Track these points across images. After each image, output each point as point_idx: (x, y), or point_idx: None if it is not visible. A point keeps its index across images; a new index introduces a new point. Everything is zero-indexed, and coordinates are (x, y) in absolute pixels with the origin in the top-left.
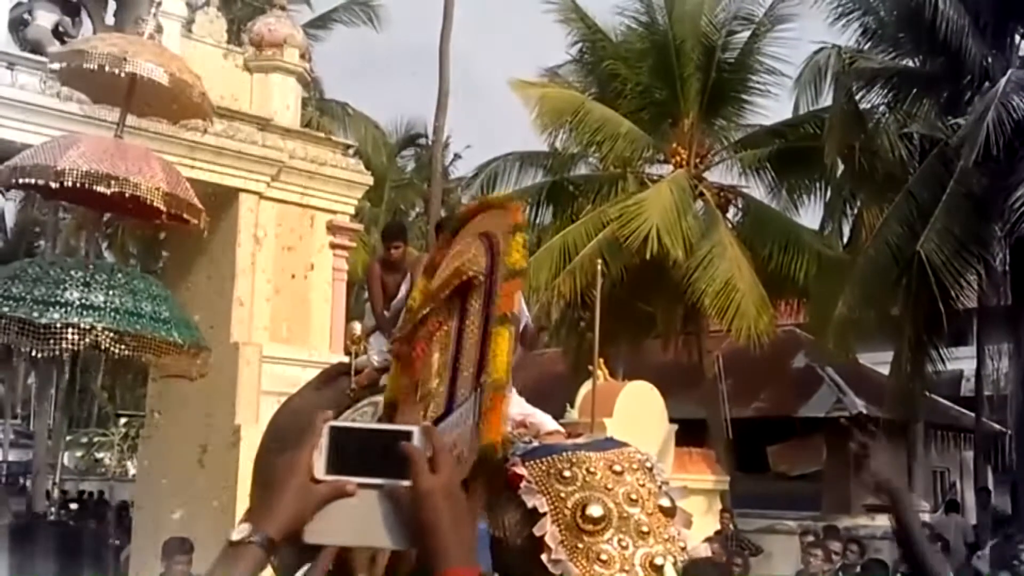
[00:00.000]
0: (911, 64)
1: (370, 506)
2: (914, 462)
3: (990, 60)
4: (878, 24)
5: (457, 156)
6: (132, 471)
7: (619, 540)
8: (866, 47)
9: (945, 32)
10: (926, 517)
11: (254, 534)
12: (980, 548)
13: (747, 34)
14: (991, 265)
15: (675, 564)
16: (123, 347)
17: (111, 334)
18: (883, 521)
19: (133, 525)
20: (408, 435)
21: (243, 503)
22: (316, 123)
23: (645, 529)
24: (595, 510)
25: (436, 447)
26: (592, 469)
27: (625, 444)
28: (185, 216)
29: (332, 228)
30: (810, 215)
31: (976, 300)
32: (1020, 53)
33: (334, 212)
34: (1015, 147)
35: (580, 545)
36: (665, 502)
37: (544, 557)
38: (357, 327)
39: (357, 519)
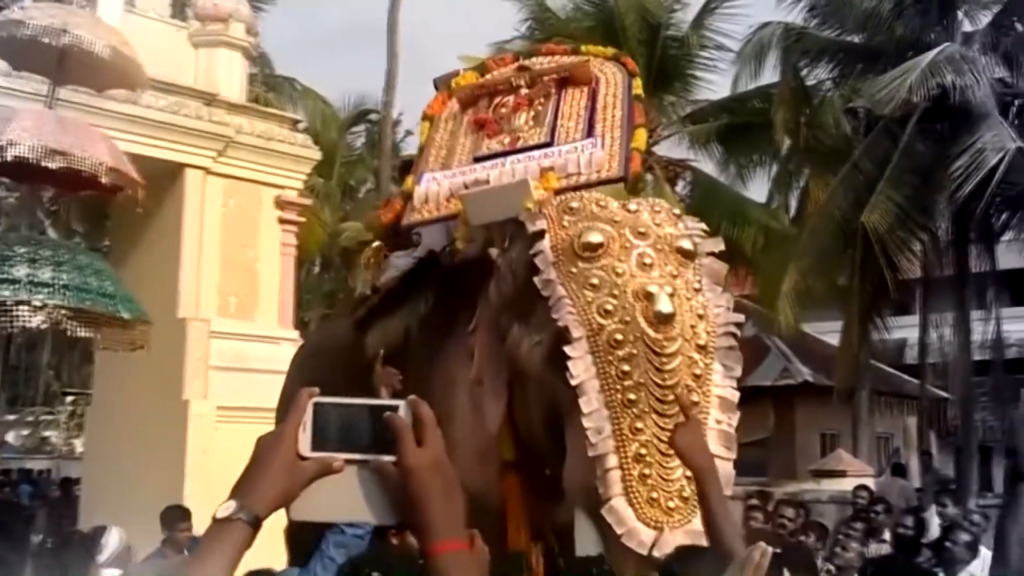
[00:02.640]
0: (856, 40)
1: (357, 482)
2: (859, 428)
3: (933, 36)
4: (825, 1)
5: (408, 133)
6: (80, 449)
7: (615, 268)
8: (812, 24)
9: (889, 9)
10: (870, 481)
11: (241, 511)
12: (923, 510)
13: (692, 11)
14: (935, 235)
15: (673, 296)
16: (76, 324)
17: (64, 311)
18: (828, 486)
19: (80, 502)
20: (394, 409)
21: (193, 478)
22: (264, 99)
23: (648, 261)
24: (593, 237)
25: (424, 420)
26: (603, 204)
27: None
28: (126, 189)
29: (280, 203)
30: (758, 188)
31: (920, 270)
32: (963, 29)
33: (282, 187)
34: (957, 118)
35: (574, 270)
36: (686, 244)
37: (536, 280)
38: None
39: (344, 496)
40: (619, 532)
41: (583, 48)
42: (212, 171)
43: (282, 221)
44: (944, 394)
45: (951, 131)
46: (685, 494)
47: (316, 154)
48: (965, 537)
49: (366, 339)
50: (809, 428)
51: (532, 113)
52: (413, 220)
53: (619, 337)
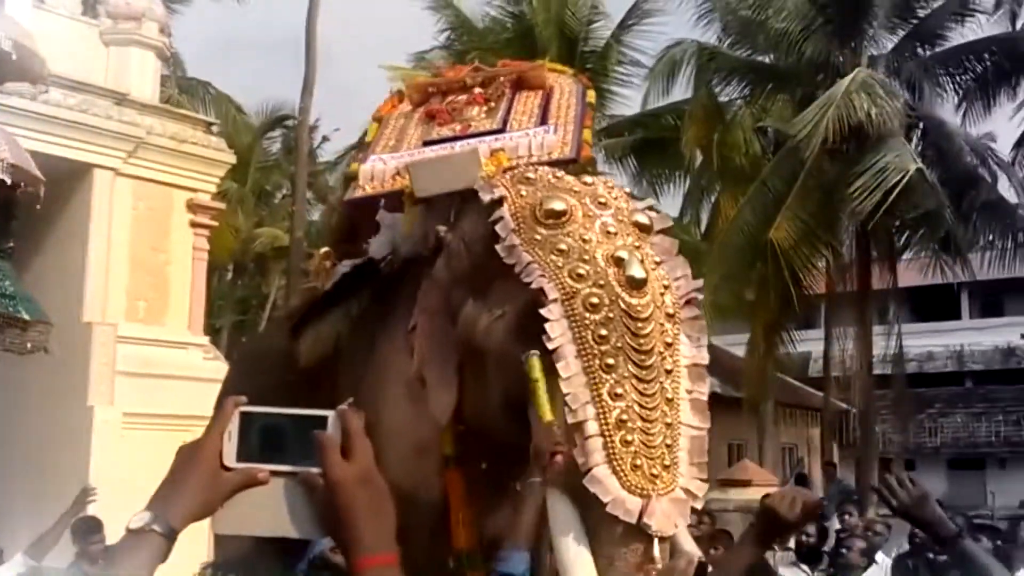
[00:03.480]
0: (767, 60)
1: (283, 495)
2: (765, 438)
3: (841, 59)
4: (738, 23)
5: (325, 139)
6: None
7: (581, 235)
8: (726, 44)
9: (799, 30)
10: (775, 491)
11: (155, 522)
12: (826, 519)
13: (610, 26)
14: (838, 251)
15: (642, 263)
16: None
17: None
18: (735, 495)
19: None
20: (323, 420)
21: (97, 486)
22: (176, 101)
23: (612, 230)
24: (556, 204)
25: (351, 432)
26: (559, 175)
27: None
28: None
29: (192, 207)
30: (670, 203)
31: (824, 285)
32: (869, 52)
33: (195, 190)
34: (860, 139)
35: (538, 237)
36: (641, 219)
37: (498, 247)
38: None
39: (270, 508)
40: (604, 501)
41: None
42: (122, 172)
43: (194, 225)
44: (846, 406)
45: (856, 151)
46: (666, 462)
47: (230, 157)
48: (860, 544)
49: (298, 347)
50: (717, 438)
51: (486, 108)
52: (355, 196)
53: (595, 301)
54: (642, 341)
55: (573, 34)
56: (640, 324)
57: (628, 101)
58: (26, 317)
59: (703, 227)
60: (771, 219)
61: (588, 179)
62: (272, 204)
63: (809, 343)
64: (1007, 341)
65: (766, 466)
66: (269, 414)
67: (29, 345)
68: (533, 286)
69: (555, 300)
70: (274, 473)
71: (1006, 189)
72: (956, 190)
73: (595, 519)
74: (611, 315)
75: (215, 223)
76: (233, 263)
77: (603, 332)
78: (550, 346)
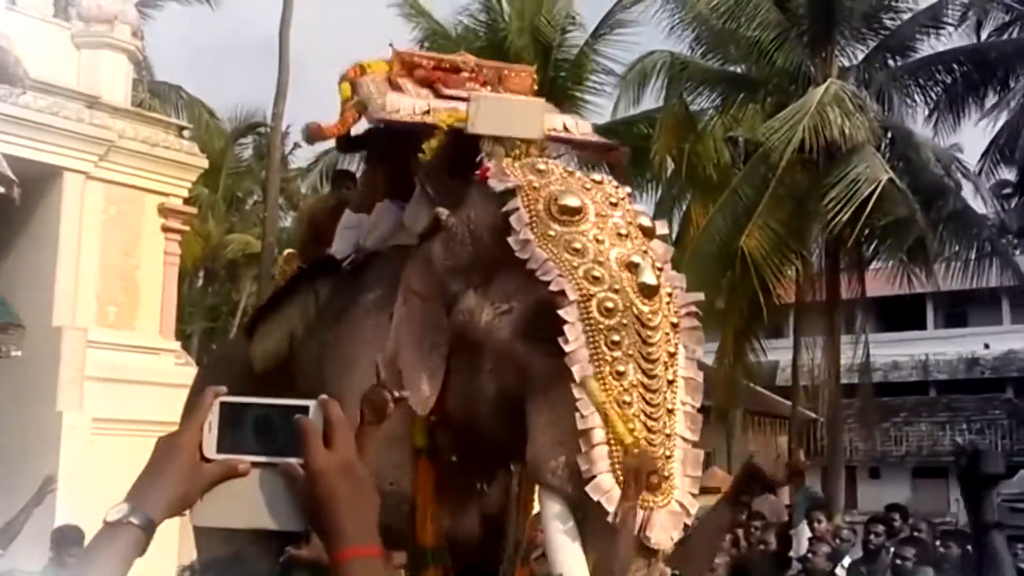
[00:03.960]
0: (738, 70)
1: (264, 486)
2: (733, 446)
3: (812, 70)
4: (710, 33)
5: (297, 145)
6: None
7: (595, 235)
8: (699, 54)
9: (771, 40)
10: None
11: (133, 514)
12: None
13: (584, 35)
14: (808, 261)
15: (653, 267)
16: None
17: None
18: (703, 502)
19: None
20: (304, 410)
21: (66, 489)
22: (148, 105)
23: (624, 232)
24: (572, 200)
25: (333, 421)
26: (570, 170)
27: None
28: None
29: (164, 211)
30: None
31: (794, 294)
32: (840, 63)
33: (166, 195)
34: (831, 149)
35: (552, 233)
36: (645, 221)
37: (511, 240)
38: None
39: (250, 500)
40: (608, 510)
41: None
42: (92, 176)
43: (166, 229)
44: (814, 415)
45: (826, 161)
46: (665, 473)
47: (203, 162)
48: (825, 549)
49: (252, 349)
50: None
51: (488, 88)
52: (382, 116)
53: (610, 305)
54: (651, 350)
55: (547, 42)
56: (649, 332)
57: (601, 110)
58: None
59: (674, 236)
60: (742, 228)
61: (596, 176)
62: (243, 210)
63: (778, 352)
64: (971, 351)
65: (735, 474)
66: (249, 404)
67: (1, 348)
68: (552, 286)
69: (573, 302)
70: (255, 464)
71: (972, 199)
72: (924, 200)
73: (594, 527)
74: (624, 321)
75: (187, 228)
76: (204, 269)
77: (615, 338)
78: (567, 348)
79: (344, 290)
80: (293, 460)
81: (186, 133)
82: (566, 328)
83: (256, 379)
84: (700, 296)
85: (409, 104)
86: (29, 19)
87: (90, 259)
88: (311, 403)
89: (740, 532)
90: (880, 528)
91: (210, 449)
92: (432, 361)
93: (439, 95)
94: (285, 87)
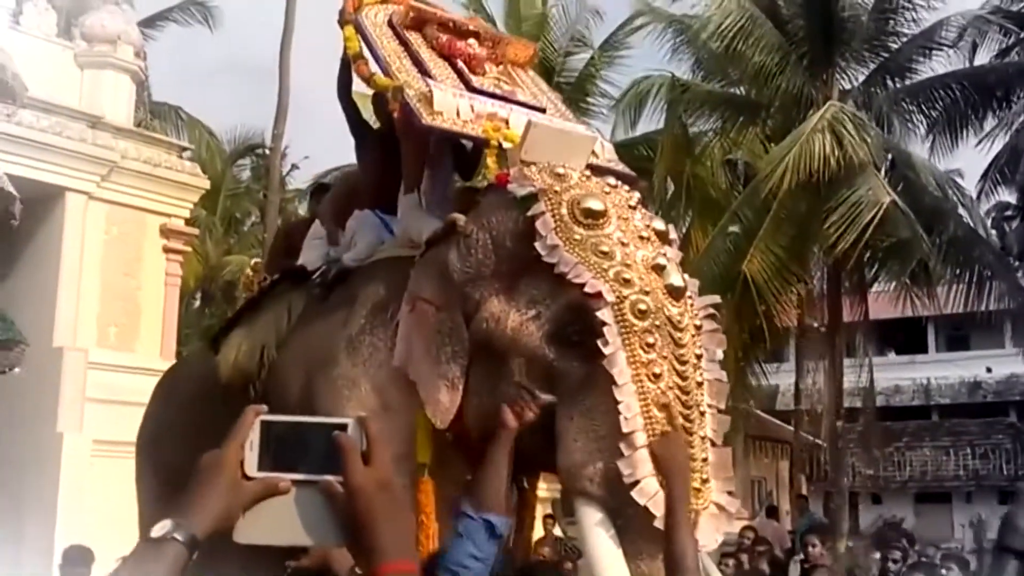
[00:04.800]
0: (738, 93)
1: (305, 503)
2: (735, 471)
3: (813, 91)
4: (709, 55)
5: (295, 167)
6: None
7: (619, 238)
8: (699, 77)
9: (775, 63)
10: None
11: (176, 530)
12: (795, 553)
13: (586, 58)
14: (810, 286)
15: (679, 270)
16: None
17: None
18: None
19: None
20: (343, 427)
21: (66, 510)
22: (147, 126)
23: (645, 235)
24: (595, 204)
25: (371, 438)
26: (588, 175)
27: None
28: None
29: (166, 232)
30: None
31: (795, 318)
32: (841, 85)
33: (168, 215)
34: (831, 172)
35: (577, 237)
36: (659, 226)
37: (538, 245)
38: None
39: (291, 517)
40: (655, 514)
41: None
42: (95, 196)
43: (167, 250)
44: (816, 440)
45: (828, 184)
46: (704, 475)
47: (204, 183)
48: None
49: (219, 361)
50: None
51: (501, 69)
52: (439, 125)
53: (643, 308)
54: (682, 351)
55: (549, 64)
56: (680, 334)
57: (604, 132)
58: (2, 337)
59: None
60: (743, 251)
61: (612, 181)
62: (241, 231)
63: (779, 376)
64: (973, 375)
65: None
66: (290, 423)
67: (5, 365)
68: (587, 288)
69: (610, 304)
70: (294, 482)
71: (970, 223)
72: (925, 222)
73: (636, 531)
74: (657, 323)
75: (188, 249)
76: (201, 291)
77: (650, 340)
78: (606, 351)
79: (332, 306)
80: (332, 477)
81: (187, 154)
82: (605, 330)
83: (220, 392)
84: (716, 298)
85: (453, 105)
86: (33, 39)
87: (91, 280)
88: (349, 421)
89: (744, 557)
90: (898, 555)
91: (251, 467)
92: (451, 371)
93: (469, 87)
94: (285, 108)
